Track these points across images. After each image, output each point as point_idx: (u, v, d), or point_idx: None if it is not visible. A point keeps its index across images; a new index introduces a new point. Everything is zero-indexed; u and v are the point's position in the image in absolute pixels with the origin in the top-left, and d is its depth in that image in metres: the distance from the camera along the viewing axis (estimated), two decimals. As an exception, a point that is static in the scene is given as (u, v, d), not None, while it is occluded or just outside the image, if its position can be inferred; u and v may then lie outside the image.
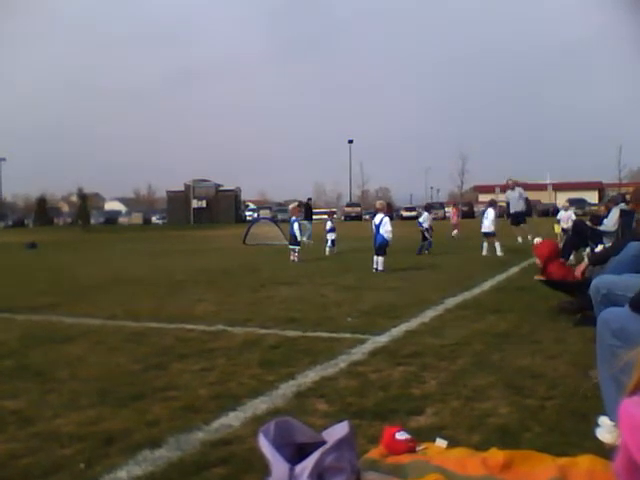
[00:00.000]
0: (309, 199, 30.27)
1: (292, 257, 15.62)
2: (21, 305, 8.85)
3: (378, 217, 12.88)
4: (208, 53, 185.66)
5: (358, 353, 5.39)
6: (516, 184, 19.22)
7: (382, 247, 12.52)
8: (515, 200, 18.72)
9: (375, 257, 12.52)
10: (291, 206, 17.89)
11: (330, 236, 17.99)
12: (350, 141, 78.63)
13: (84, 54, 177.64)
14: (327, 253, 17.67)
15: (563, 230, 15.62)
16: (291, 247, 15.97)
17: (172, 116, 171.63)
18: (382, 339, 5.93)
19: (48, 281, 12.56)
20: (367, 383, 4.46)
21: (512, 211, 18.60)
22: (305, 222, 23.36)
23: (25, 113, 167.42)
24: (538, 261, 7.59)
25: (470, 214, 58.71)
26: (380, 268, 12.34)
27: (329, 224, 18.36)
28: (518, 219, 18.48)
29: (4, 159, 76.18)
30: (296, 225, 16.08)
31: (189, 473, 2.97)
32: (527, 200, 19.29)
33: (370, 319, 7.04)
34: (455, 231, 24.27)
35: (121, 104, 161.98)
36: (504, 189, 21.47)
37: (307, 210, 23.41)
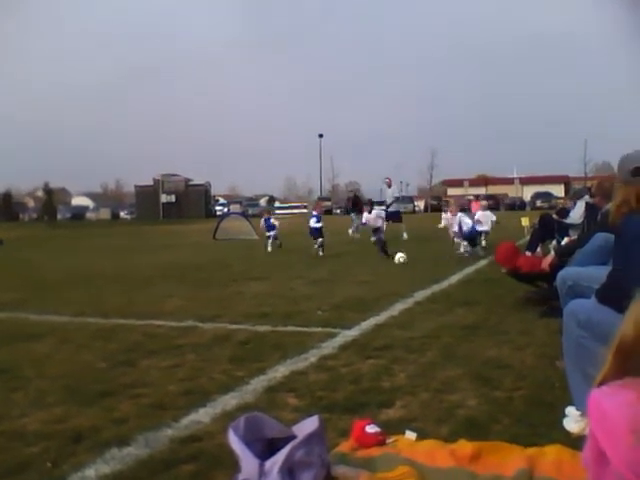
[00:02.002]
0: (357, 191, 30.44)
1: (318, 252, 14.91)
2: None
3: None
4: (176, 44, 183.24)
5: (328, 347, 5.39)
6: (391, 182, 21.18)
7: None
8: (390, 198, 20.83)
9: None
10: (310, 202, 17.22)
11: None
12: (320, 135, 78.58)
13: (48, 47, 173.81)
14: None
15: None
16: (316, 241, 15.12)
17: (141, 109, 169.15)
18: (352, 333, 5.95)
19: (13, 278, 12.33)
20: (337, 377, 4.47)
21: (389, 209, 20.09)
22: (352, 214, 23.16)
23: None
24: (503, 269, 7.77)
25: (439, 208, 59.19)
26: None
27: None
28: (394, 217, 19.92)
29: None
30: (314, 220, 15.36)
31: (158, 471, 2.95)
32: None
33: (340, 313, 7.06)
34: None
35: (88, 98, 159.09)
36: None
37: (355, 203, 22.99)
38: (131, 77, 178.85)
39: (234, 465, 2.33)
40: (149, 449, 3.22)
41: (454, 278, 9.92)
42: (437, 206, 59.89)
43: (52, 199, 62.22)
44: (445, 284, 9.25)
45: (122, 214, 79.25)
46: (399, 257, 12.34)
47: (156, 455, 3.14)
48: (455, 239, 14.62)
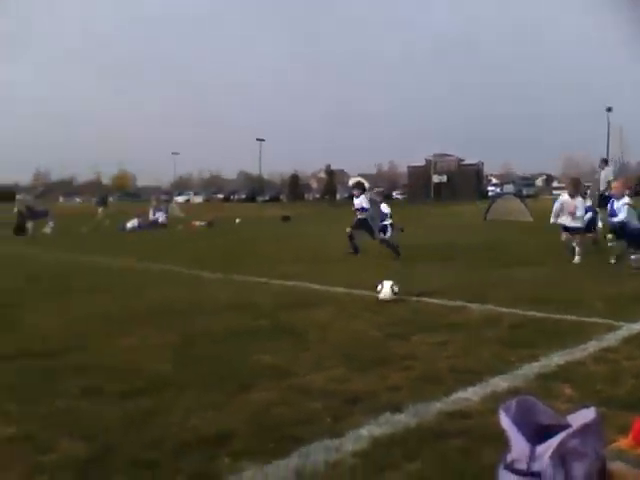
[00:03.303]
0: None
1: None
2: (276, 272, 9.75)
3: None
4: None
5: (610, 339, 5.01)
6: None
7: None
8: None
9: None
10: (616, 182, 11.72)
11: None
12: (608, 109, 70.99)
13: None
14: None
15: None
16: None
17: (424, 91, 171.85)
18: (637, 327, 5.42)
19: (299, 250, 13.62)
20: (618, 370, 4.14)
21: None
22: None
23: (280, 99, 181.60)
24: None
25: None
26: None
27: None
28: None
29: (264, 140, 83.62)
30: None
31: (426, 440, 3.06)
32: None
33: (622, 305, 6.46)
34: None
35: (377, 83, 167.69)
36: None
37: None
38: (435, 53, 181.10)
39: (503, 445, 2.32)
40: (418, 418, 3.36)
41: None
42: None
43: (333, 180, 66.96)
44: None
45: (394, 194, 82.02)
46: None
47: (425, 425, 3.26)
48: None
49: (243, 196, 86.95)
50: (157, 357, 4.79)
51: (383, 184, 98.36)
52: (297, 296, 7.27)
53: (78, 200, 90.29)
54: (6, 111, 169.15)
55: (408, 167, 79.77)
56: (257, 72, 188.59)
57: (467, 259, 11.24)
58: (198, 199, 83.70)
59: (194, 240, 18.86)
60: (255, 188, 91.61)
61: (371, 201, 13.54)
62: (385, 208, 14.05)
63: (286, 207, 50.43)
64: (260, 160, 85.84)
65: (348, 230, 12.94)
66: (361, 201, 12.89)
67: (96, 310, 6.84)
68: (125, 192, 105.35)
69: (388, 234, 13.38)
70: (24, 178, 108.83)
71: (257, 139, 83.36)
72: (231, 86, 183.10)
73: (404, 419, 3.37)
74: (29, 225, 22.91)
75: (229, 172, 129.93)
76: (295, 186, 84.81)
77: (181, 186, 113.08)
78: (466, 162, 72.97)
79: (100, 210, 31.29)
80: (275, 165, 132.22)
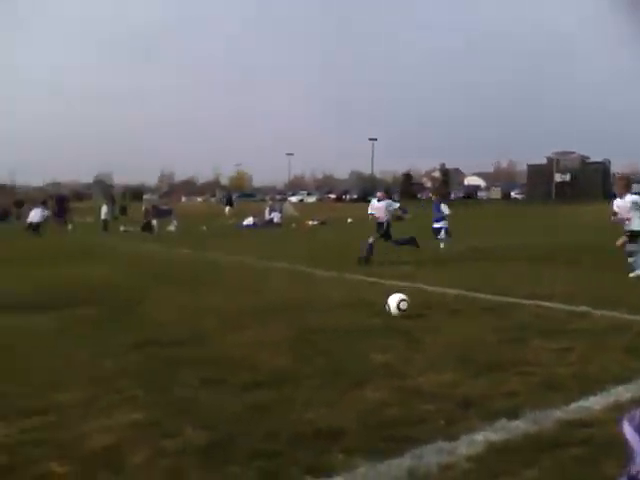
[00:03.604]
0: None
1: None
2: (387, 272, 9.73)
3: None
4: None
5: None
6: None
7: None
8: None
9: None
10: None
11: None
12: None
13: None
14: None
15: None
16: None
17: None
18: None
19: (411, 250, 13.53)
20: None
21: None
22: None
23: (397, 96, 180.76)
24: None
25: None
26: None
27: None
28: None
29: (376, 139, 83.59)
30: None
31: (545, 448, 2.97)
32: None
33: None
34: None
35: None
36: None
37: None
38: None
39: (625, 456, 2.21)
40: (537, 426, 3.25)
41: None
42: None
43: (447, 179, 65.78)
44: None
45: (513, 194, 79.24)
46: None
47: (544, 433, 3.16)
48: None
49: (355, 196, 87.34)
50: (274, 352, 4.95)
51: (501, 183, 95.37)
52: (409, 297, 7.23)
53: (199, 200, 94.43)
54: (136, 118, 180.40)
55: (528, 165, 76.77)
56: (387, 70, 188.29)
57: (594, 262, 10.68)
58: (311, 199, 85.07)
59: (307, 239, 19.23)
60: (367, 188, 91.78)
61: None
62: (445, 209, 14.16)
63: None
64: (372, 159, 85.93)
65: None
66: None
67: (216, 304, 7.18)
68: (242, 192, 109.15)
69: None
70: (151, 179, 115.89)
71: (369, 139, 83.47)
72: (347, 84, 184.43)
73: (522, 426, 3.27)
74: (154, 223, 24.33)
75: (341, 172, 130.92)
76: (408, 185, 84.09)
77: (295, 186, 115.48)
78: (591, 160, 69.19)
79: (227, 209, 32.86)
80: (388, 164, 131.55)
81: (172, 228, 24.76)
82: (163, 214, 25.57)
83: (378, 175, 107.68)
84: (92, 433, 3.32)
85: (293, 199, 76.22)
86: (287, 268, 10.88)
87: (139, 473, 2.84)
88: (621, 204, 9.26)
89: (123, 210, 42.44)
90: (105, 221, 28.56)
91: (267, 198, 34.73)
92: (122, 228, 26.06)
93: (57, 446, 3.16)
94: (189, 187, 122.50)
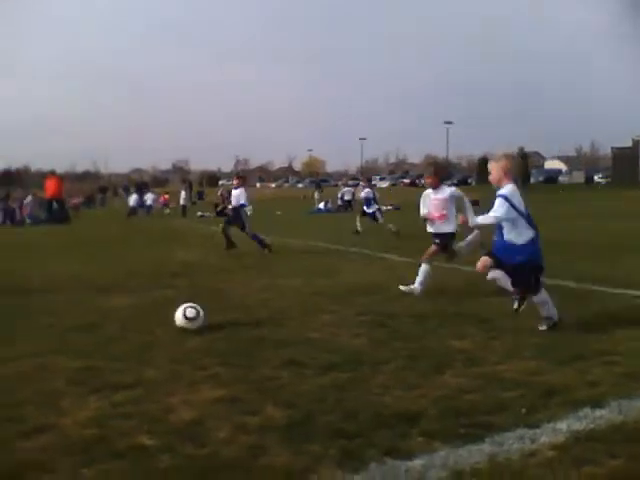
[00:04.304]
0: None
1: None
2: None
3: None
4: None
5: None
6: None
7: None
8: None
9: None
10: None
11: None
12: None
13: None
14: None
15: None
16: None
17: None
18: None
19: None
20: None
21: None
22: None
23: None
24: None
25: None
26: None
27: None
28: None
29: (451, 122, 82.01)
30: None
31: (630, 438, 2.88)
32: None
33: None
34: None
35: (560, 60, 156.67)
36: None
37: None
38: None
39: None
40: (622, 416, 3.16)
41: None
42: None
43: (526, 163, 63.77)
44: None
45: (596, 178, 75.90)
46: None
47: (629, 423, 3.06)
48: None
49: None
50: (351, 334, 5.01)
51: (583, 167, 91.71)
52: (487, 283, 7.11)
53: (272, 185, 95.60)
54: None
55: (612, 148, 73.35)
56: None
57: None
58: (384, 184, 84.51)
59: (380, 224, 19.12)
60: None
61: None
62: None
63: (474, 191, 49.16)
64: (447, 143, 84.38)
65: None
66: None
67: (294, 287, 7.32)
68: (314, 178, 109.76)
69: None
70: (227, 165, 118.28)
71: (445, 122, 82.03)
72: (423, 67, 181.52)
73: (607, 415, 3.18)
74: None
75: (415, 156, 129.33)
76: (484, 169, 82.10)
77: (368, 171, 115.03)
78: (681, 142, 65.40)
79: (316, 193, 33.57)
80: (464, 148, 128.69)
81: (247, 213, 25.21)
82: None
83: (455, 160, 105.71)
84: (177, 408, 3.47)
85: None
86: (360, 252, 10.90)
87: (223, 448, 2.94)
88: None
89: (200, 195, 43.58)
90: (184, 207, 29.41)
91: (340, 183, 34.97)
92: (199, 213, 26.78)
93: (145, 419, 3.32)
94: (263, 172, 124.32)
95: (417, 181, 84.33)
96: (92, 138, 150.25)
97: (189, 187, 38.56)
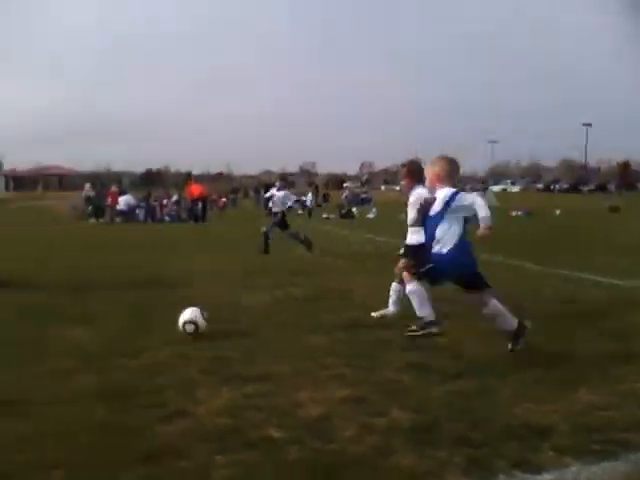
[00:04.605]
0: None
1: None
2: (607, 268, 9.06)
3: None
4: None
5: None
6: None
7: None
8: None
9: None
10: None
11: None
12: None
13: None
14: None
15: None
16: None
17: None
18: None
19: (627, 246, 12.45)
20: None
21: None
22: None
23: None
24: None
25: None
26: None
27: None
28: None
29: (590, 125, 77.66)
30: None
31: None
32: None
33: None
34: None
35: None
36: None
37: None
38: None
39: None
40: None
41: None
42: None
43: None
44: None
45: None
46: None
47: None
48: None
49: (565, 186, 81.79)
50: (477, 341, 4.91)
51: None
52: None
53: (397, 188, 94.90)
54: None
55: None
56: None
57: None
58: (515, 188, 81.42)
59: (508, 230, 18.49)
60: (579, 177, 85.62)
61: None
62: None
63: (614, 198, 46.24)
64: (586, 147, 79.91)
65: None
66: None
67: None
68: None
69: None
70: (352, 168, 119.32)
71: (583, 124, 77.79)
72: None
73: None
74: (354, 210, 25.13)
75: (550, 160, 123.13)
76: (626, 174, 76.91)
77: (498, 174, 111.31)
78: None
79: None
80: (604, 152, 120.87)
81: (371, 215, 25.36)
82: (363, 202, 26.31)
83: (594, 163, 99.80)
84: (305, 403, 3.58)
85: (495, 188, 73.62)
86: (489, 259, 10.61)
87: (349, 446, 3.00)
88: None
89: (325, 198, 44.33)
90: (309, 209, 30.05)
91: (467, 187, 34.04)
92: (324, 215, 27.24)
93: (274, 413, 3.44)
94: (388, 176, 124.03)
95: (552, 186, 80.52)
96: (224, 140, 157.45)
97: (315, 189, 39.38)
